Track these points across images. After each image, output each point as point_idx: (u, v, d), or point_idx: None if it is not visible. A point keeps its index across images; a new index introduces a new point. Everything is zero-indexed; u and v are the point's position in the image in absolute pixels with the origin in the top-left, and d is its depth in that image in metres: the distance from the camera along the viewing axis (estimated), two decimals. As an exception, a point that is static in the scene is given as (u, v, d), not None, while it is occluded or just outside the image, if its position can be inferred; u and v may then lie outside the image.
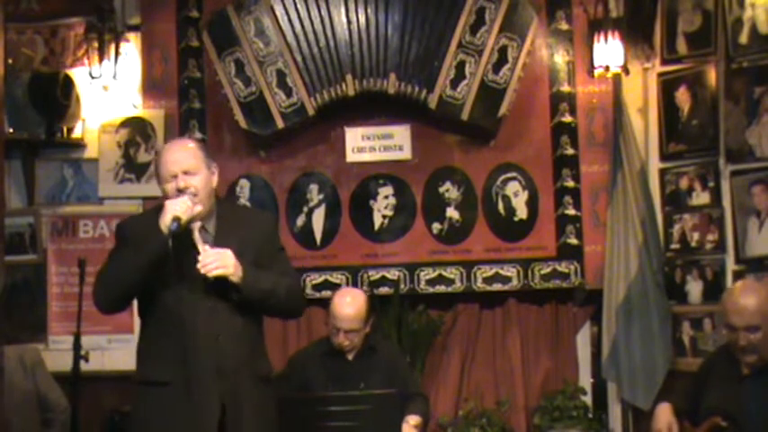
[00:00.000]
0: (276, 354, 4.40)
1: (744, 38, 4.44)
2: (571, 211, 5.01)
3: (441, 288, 5.02)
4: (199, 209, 3.12)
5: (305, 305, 3.63)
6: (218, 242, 3.16)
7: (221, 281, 3.10)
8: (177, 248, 3.09)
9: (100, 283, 3.17)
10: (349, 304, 4.13)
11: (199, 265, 3.07)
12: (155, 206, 3.25)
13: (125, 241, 3.20)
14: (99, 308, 3.21)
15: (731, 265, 4.57)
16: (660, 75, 4.91)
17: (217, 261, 3.08)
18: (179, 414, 3.07)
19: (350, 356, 4.18)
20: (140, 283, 3.10)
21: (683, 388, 3.83)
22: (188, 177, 3.14)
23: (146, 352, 3.22)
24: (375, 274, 5.02)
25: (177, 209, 3.06)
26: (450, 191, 5.06)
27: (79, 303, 4.24)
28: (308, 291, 4.96)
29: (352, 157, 5.08)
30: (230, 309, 3.15)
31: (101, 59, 5.07)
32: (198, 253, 3.10)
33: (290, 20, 4.90)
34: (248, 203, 5.04)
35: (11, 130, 4.94)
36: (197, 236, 3.14)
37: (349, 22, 4.88)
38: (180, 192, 3.12)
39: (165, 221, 3.04)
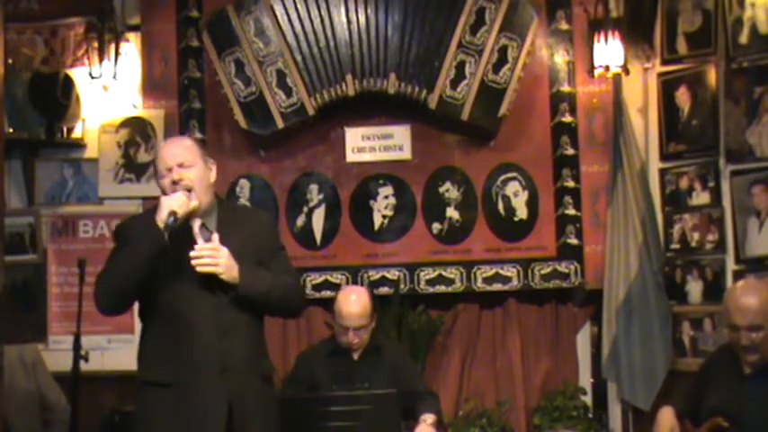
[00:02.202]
0: (276, 354, 4.40)
1: (744, 38, 4.43)
2: (571, 211, 5.01)
3: (441, 288, 5.02)
4: (195, 203, 3.09)
5: (305, 305, 3.61)
6: (219, 241, 3.13)
7: (217, 278, 3.08)
8: (178, 246, 3.07)
9: (99, 285, 3.13)
10: (355, 302, 4.11)
11: (193, 254, 3.05)
12: (152, 206, 3.23)
13: (123, 241, 3.17)
14: (100, 310, 3.16)
15: (731, 265, 4.56)
16: (660, 75, 4.90)
17: (209, 257, 3.06)
18: (183, 415, 3.04)
19: (355, 356, 4.16)
20: (139, 283, 3.05)
21: (684, 388, 3.82)
22: (183, 170, 3.11)
23: (147, 352, 3.18)
24: (375, 274, 5.02)
25: (172, 203, 3.03)
26: (450, 191, 5.06)
27: (79, 303, 4.24)
28: (308, 291, 4.94)
29: (352, 157, 5.08)
30: (234, 307, 3.12)
31: (101, 59, 5.07)
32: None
33: (290, 20, 4.90)
34: (248, 203, 5.04)
35: (11, 130, 4.94)
36: (197, 232, 3.13)
37: (349, 22, 4.88)
38: (175, 184, 3.09)
39: (162, 216, 3.01)
